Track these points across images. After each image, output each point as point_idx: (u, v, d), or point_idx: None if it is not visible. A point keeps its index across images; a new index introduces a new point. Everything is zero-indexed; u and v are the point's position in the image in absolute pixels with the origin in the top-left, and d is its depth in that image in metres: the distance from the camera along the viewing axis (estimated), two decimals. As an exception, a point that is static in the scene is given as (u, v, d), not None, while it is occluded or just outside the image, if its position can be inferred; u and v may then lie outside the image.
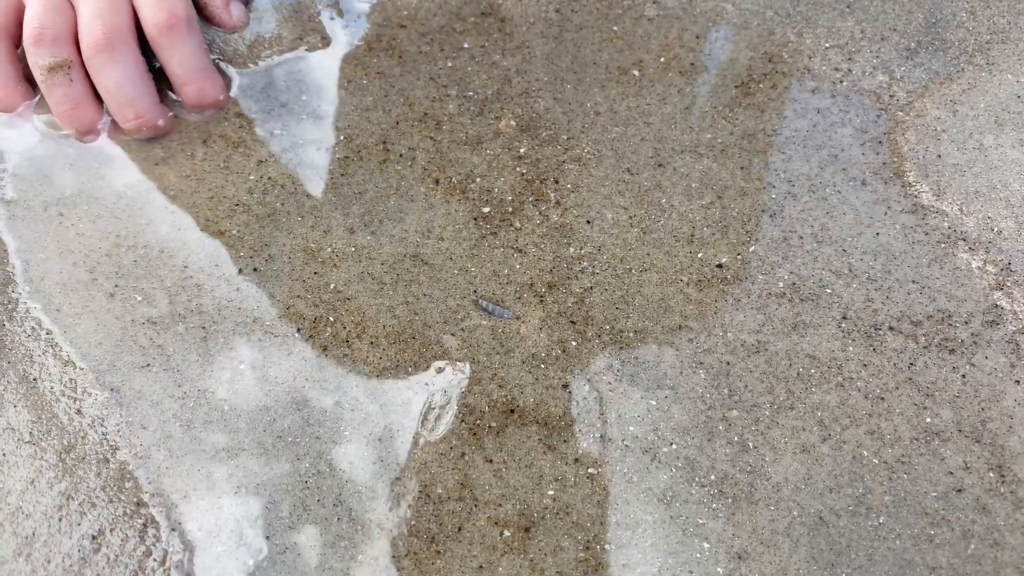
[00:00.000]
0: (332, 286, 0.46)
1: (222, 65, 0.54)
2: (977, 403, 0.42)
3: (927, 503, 0.40)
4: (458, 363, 0.44)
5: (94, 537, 0.38)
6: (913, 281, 0.46)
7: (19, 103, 0.51)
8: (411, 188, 0.50)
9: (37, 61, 0.48)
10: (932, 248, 0.47)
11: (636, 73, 0.55)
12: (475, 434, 0.42)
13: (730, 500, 0.40)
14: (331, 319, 0.45)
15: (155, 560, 0.37)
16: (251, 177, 0.50)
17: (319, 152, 0.51)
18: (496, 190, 0.50)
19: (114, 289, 0.46)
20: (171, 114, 0.52)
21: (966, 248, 0.47)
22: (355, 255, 0.47)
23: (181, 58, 0.50)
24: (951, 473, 0.40)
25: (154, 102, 0.50)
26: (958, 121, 0.52)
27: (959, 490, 0.40)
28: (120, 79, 0.48)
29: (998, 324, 0.44)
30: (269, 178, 0.50)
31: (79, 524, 0.38)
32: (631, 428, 0.42)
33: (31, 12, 0.49)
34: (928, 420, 0.42)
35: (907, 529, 0.39)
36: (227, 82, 0.53)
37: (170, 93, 0.52)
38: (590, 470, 0.41)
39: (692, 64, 0.56)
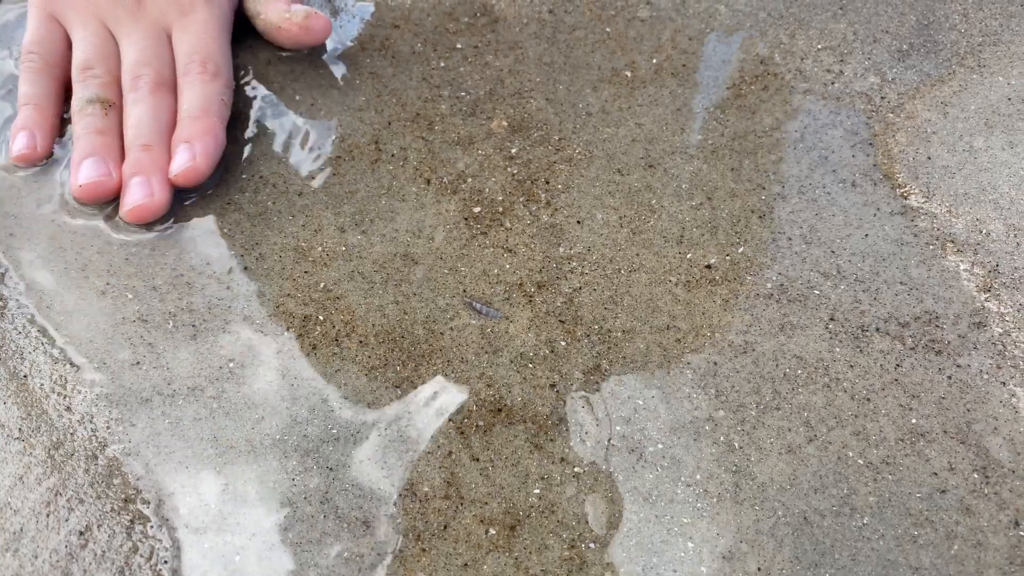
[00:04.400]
0: (322, 285, 0.46)
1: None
2: (963, 404, 0.42)
3: (911, 504, 0.40)
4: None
5: (81, 533, 0.38)
6: (901, 283, 0.46)
7: (47, 154, 0.51)
8: (402, 188, 0.50)
9: (82, 94, 0.50)
10: (920, 250, 0.47)
11: (628, 74, 0.56)
12: (462, 432, 0.42)
13: (715, 500, 0.40)
14: (321, 318, 0.45)
15: (142, 556, 0.38)
16: (242, 176, 0.50)
17: (310, 152, 0.52)
18: (487, 190, 0.50)
19: (105, 287, 0.46)
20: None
21: (954, 250, 0.47)
22: (345, 254, 0.48)
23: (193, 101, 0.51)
24: (936, 474, 0.40)
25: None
26: (948, 123, 0.52)
27: (943, 491, 0.40)
28: (145, 117, 0.49)
29: (984, 326, 0.45)
30: (260, 176, 0.50)
31: (67, 520, 0.38)
32: (618, 428, 0.42)
33: (80, 53, 0.51)
34: (914, 421, 0.42)
35: (891, 530, 0.39)
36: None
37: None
38: (576, 469, 0.41)
39: (684, 65, 0.56)
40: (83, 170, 0.48)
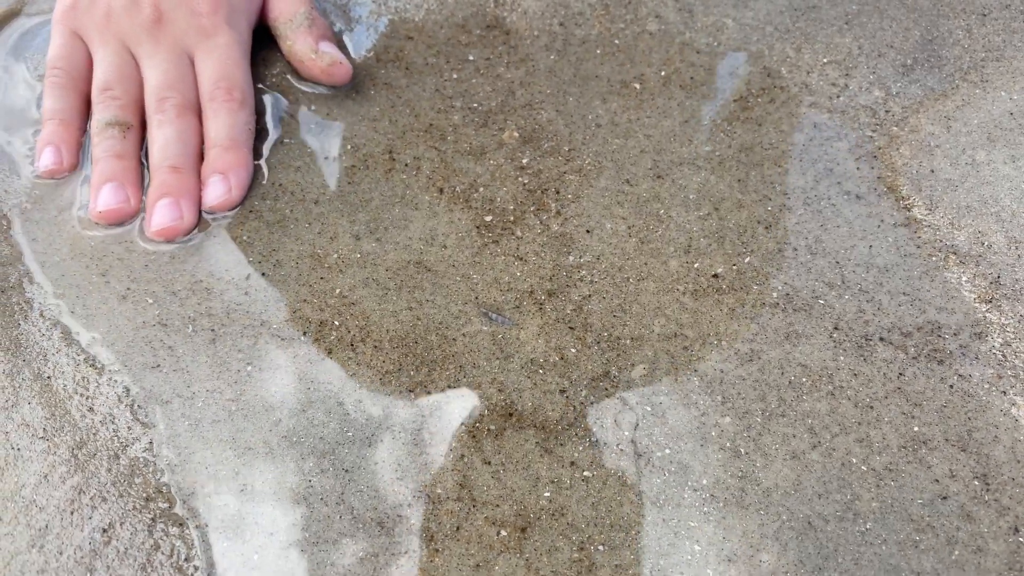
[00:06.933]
0: (338, 291, 0.48)
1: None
2: (964, 413, 0.43)
3: (913, 510, 0.41)
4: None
5: (104, 530, 0.39)
6: (904, 293, 0.47)
7: (73, 168, 0.52)
8: (416, 196, 0.52)
9: (101, 116, 0.51)
10: (923, 261, 0.48)
11: (637, 86, 0.57)
12: (474, 436, 0.43)
13: (721, 504, 0.41)
14: (336, 323, 0.46)
15: (163, 553, 0.39)
16: (261, 183, 0.51)
17: (327, 161, 0.53)
18: (498, 199, 0.52)
19: (126, 292, 0.47)
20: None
21: (957, 262, 0.48)
22: (360, 261, 0.49)
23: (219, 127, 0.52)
24: (937, 481, 0.41)
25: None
26: (952, 137, 0.53)
27: (944, 497, 0.41)
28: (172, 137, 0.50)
29: (986, 336, 0.46)
30: (280, 185, 0.52)
31: (90, 518, 0.39)
32: (626, 433, 0.43)
33: (101, 74, 0.52)
34: (916, 429, 0.43)
35: (893, 535, 0.40)
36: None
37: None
38: (585, 473, 0.42)
39: (692, 78, 0.57)
40: (102, 196, 0.49)
